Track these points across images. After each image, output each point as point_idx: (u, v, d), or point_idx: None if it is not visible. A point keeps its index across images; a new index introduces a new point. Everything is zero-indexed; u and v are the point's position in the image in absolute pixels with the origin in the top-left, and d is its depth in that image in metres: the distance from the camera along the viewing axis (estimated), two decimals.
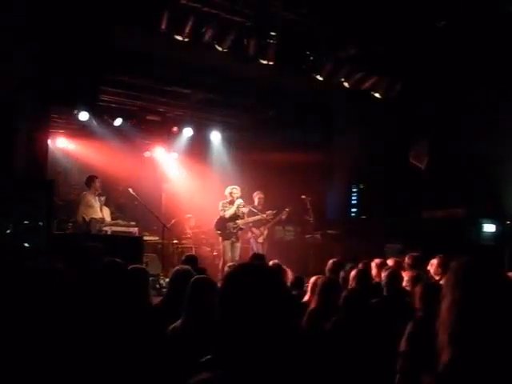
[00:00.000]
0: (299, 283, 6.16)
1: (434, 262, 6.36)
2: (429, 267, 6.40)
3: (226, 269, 6.84)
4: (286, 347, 1.70)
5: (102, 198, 9.69)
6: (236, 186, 10.29)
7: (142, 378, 3.29)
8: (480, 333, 1.85)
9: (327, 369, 3.52)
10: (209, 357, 1.89)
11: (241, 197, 10.24)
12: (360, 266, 6.24)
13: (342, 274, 6.00)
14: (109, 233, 9.25)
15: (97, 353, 2.93)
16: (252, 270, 1.80)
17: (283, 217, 10.73)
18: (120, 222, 10.00)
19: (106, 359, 2.96)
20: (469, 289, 1.94)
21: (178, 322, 3.46)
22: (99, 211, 9.50)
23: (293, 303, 4.93)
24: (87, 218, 9.20)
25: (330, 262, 6.65)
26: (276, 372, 1.63)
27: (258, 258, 6.77)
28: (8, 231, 6.86)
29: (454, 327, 1.90)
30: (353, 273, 5.58)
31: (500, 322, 1.85)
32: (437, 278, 6.10)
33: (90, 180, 9.62)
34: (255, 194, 10.69)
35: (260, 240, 10.58)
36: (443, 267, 6.07)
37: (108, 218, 9.68)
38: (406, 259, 6.58)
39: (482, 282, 1.95)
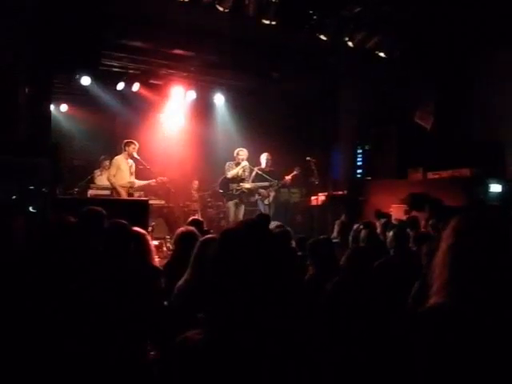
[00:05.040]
0: (304, 244, 6.14)
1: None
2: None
3: None
4: (285, 306, 1.66)
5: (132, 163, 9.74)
6: (243, 149, 10.30)
7: (145, 337, 3.33)
8: (465, 279, 1.78)
9: (329, 329, 3.52)
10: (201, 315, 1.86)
11: (247, 159, 10.23)
12: (365, 226, 6.24)
13: (351, 234, 6.01)
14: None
15: (101, 313, 2.96)
16: (247, 227, 1.73)
17: (290, 179, 10.63)
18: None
19: (110, 319, 2.99)
20: (462, 234, 1.88)
21: (181, 280, 3.47)
22: (128, 175, 9.61)
23: (296, 263, 4.90)
24: (114, 183, 9.42)
25: (337, 222, 6.66)
26: (275, 331, 1.60)
27: (263, 219, 6.75)
28: (14, 197, 6.84)
29: (442, 273, 1.84)
30: (363, 233, 5.58)
31: (489, 268, 1.78)
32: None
33: (125, 145, 9.72)
34: (263, 155, 10.61)
35: (266, 202, 10.56)
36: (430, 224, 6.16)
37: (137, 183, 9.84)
38: (408, 220, 6.60)
39: (475, 228, 1.88)
